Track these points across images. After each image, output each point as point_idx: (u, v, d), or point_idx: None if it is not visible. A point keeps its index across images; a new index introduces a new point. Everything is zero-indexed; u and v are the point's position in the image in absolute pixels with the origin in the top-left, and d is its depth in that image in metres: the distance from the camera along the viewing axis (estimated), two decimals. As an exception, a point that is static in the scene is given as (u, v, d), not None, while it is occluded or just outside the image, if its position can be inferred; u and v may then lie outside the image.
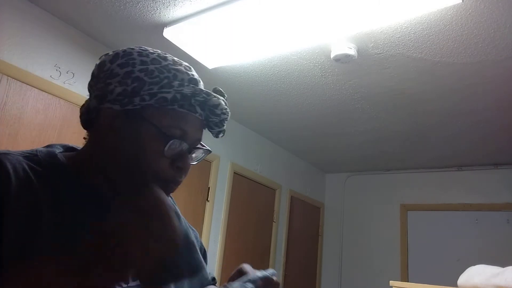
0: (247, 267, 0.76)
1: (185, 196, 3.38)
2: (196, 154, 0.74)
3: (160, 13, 2.33)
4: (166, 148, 0.66)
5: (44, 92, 2.40)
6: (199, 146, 0.73)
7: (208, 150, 0.76)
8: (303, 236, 4.98)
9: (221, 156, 3.81)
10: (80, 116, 0.72)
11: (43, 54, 2.43)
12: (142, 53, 0.69)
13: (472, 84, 2.84)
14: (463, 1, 1.98)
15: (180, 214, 0.86)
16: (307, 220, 5.13)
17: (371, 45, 2.48)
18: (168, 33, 2.44)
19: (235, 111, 3.77)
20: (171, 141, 0.66)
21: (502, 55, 2.46)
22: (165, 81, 0.67)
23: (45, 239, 0.58)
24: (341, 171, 5.42)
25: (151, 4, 2.27)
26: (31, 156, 0.66)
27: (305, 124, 3.90)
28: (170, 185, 0.69)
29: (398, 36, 2.37)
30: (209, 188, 3.65)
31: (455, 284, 1.82)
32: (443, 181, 4.73)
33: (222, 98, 0.72)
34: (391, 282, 2.19)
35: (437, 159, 4.51)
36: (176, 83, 0.67)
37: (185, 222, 0.87)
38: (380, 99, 3.22)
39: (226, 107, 0.72)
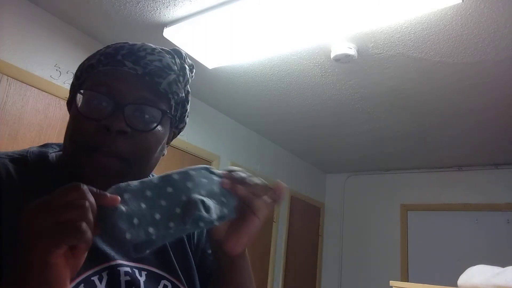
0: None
1: (185, 196, 3.38)
2: (147, 116, 0.62)
3: (160, 13, 2.33)
4: (78, 104, 0.60)
5: (44, 92, 2.40)
6: (138, 103, 0.61)
7: (162, 109, 0.63)
8: (303, 236, 4.98)
9: (221, 156, 3.81)
10: None
11: (43, 54, 2.43)
12: (108, 45, 0.68)
13: (472, 84, 2.84)
14: (463, 1, 1.98)
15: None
16: (307, 220, 5.13)
17: (371, 45, 2.48)
18: (168, 33, 2.44)
19: (235, 111, 3.77)
20: (80, 92, 0.61)
21: (502, 55, 2.46)
22: (95, 52, 0.65)
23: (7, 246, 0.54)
24: (341, 171, 5.42)
25: (151, 4, 2.27)
26: (19, 158, 0.63)
27: (305, 124, 3.90)
28: (100, 151, 0.58)
29: (398, 36, 2.37)
30: (209, 188, 3.64)
31: (455, 284, 1.82)
32: (443, 181, 4.72)
33: (153, 45, 0.65)
34: (391, 282, 2.18)
35: (437, 159, 4.51)
36: (103, 49, 0.65)
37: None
38: (380, 99, 3.22)
39: (153, 47, 0.64)
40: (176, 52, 0.68)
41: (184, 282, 0.68)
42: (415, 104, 3.25)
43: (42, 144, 0.73)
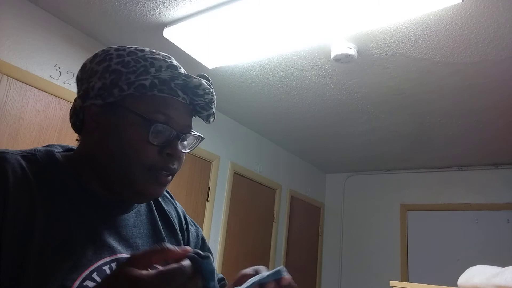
0: (261, 268, 0.72)
1: (185, 196, 3.38)
2: (188, 141, 0.73)
3: (160, 13, 2.33)
4: (150, 133, 0.65)
5: (44, 92, 2.40)
6: (189, 132, 0.72)
7: (200, 136, 0.74)
8: (303, 236, 4.98)
9: (221, 156, 3.81)
10: (70, 118, 0.72)
11: (43, 54, 2.43)
12: (119, 49, 0.70)
13: (472, 84, 2.84)
14: (463, 1, 1.98)
15: (181, 213, 0.86)
16: (307, 220, 5.13)
17: (371, 45, 2.48)
18: (168, 33, 2.44)
19: (235, 111, 3.77)
20: (154, 125, 0.65)
21: (502, 55, 2.46)
22: (142, 69, 0.67)
23: (36, 241, 0.58)
24: (341, 171, 5.42)
25: (151, 4, 2.27)
26: (29, 156, 0.66)
27: (305, 124, 3.90)
28: (161, 173, 0.68)
29: (398, 36, 2.37)
30: (209, 188, 3.65)
31: (455, 284, 1.82)
32: (443, 181, 4.73)
33: (203, 79, 0.71)
34: (391, 282, 2.18)
35: (437, 159, 4.51)
36: (153, 69, 0.67)
37: (188, 219, 0.87)
38: (380, 99, 3.22)
39: (208, 87, 0.71)
40: (207, 80, 0.74)
41: None
42: (415, 104, 3.25)
43: (44, 145, 0.74)
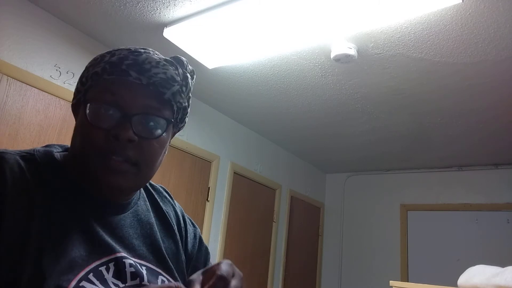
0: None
1: (185, 196, 3.38)
2: (151, 126, 0.66)
3: (160, 13, 2.33)
4: (87, 113, 0.63)
5: (44, 92, 2.40)
6: (143, 113, 0.65)
7: (166, 119, 0.68)
8: (303, 236, 4.98)
9: (221, 156, 3.81)
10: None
11: (43, 54, 2.43)
12: (111, 51, 0.69)
13: (472, 84, 2.84)
14: (463, 1, 1.98)
15: (180, 213, 0.86)
16: (307, 220, 5.13)
17: (371, 45, 2.48)
18: (168, 33, 2.44)
19: (235, 111, 3.77)
20: (89, 104, 0.63)
21: (502, 55, 2.46)
22: (99, 59, 0.67)
23: (33, 242, 0.58)
24: (341, 171, 5.42)
25: (151, 4, 2.27)
26: (28, 156, 0.66)
27: (305, 124, 3.90)
28: (109, 159, 0.63)
29: (398, 36, 2.37)
30: (209, 188, 3.64)
31: (455, 284, 1.82)
32: (443, 181, 4.72)
33: (158, 55, 0.68)
34: (391, 282, 2.18)
35: (437, 159, 4.51)
36: (108, 56, 0.66)
37: (187, 219, 0.87)
38: (380, 99, 3.22)
39: (157, 59, 0.66)
40: (178, 61, 0.70)
41: (178, 282, 0.72)
42: (415, 104, 3.25)
43: (44, 145, 0.75)
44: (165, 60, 0.68)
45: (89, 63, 0.70)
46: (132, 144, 0.64)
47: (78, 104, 0.69)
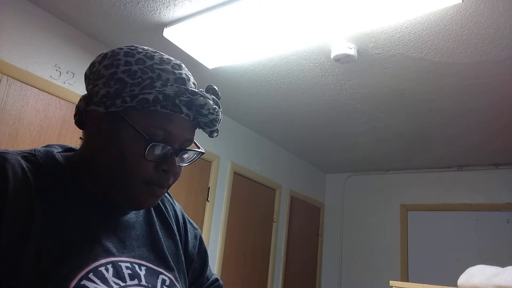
0: None
1: (185, 196, 3.38)
2: (188, 155, 0.72)
3: (160, 13, 2.33)
4: (146, 150, 0.65)
5: (44, 92, 2.40)
6: (189, 148, 0.71)
7: (201, 152, 0.73)
8: (303, 236, 4.98)
9: (221, 156, 3.81)
10: (74, 116, 0.72)
11: (43, 54, 2.43)
12: (128, 53, 0.68)
13: (472, 84, 2.84)
14: (463, 1, 1.98)
15: (179, 213, 0.86)
16: (307, 220, 5.13)
17: (371, 45, 2.48)
18: (168, 33, 2.44)
19: (235, 111, 3.77)
20: (151, 144, 0.65)
21: (502, 55, 2.46)
22: (147, 81, 0.65)
23: (34, 241, 0.58)
24: (341, 171, 5.42)
25: (151, 4, 2.27)
26: (29, 156, 0.66)
27: (305, 124, 3.90)
28: (155, 189, 0.68)
29: (398, 36, 2.37)
30: (209, 188, 3.65)
31: (455, 284, 1.82)
32: (443, 181, 4.73)
33: (211, 97, 0.69)
34: (391, 282, 2.18)
35: (437, 159, 4.51)
36: (159, 83, 0.65)
37: (186, 219, 0.87)
38: (380, 99, 3.22)
39: (214, 106, 0.69)
40: (216, 95, 0.72)
41: (180, 281, 0.74)
42: (415, 104, 3.25)
43: (44, 145, 0.75)
44: (213, 100, 0.70)
45: (123, 70, 0.66)
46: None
47: (110, 114, 0.66)
